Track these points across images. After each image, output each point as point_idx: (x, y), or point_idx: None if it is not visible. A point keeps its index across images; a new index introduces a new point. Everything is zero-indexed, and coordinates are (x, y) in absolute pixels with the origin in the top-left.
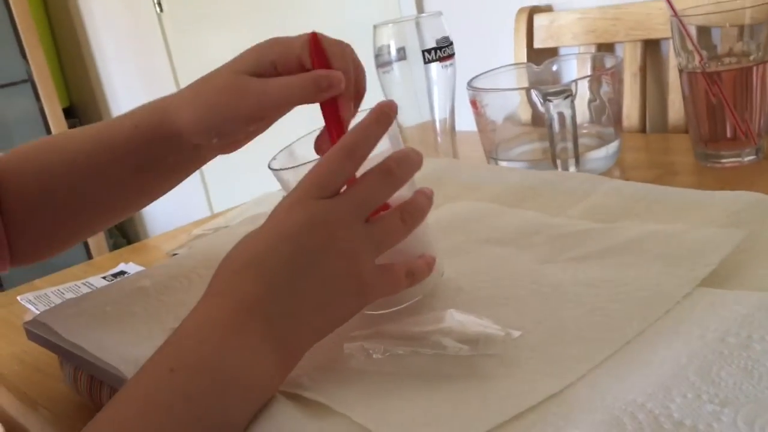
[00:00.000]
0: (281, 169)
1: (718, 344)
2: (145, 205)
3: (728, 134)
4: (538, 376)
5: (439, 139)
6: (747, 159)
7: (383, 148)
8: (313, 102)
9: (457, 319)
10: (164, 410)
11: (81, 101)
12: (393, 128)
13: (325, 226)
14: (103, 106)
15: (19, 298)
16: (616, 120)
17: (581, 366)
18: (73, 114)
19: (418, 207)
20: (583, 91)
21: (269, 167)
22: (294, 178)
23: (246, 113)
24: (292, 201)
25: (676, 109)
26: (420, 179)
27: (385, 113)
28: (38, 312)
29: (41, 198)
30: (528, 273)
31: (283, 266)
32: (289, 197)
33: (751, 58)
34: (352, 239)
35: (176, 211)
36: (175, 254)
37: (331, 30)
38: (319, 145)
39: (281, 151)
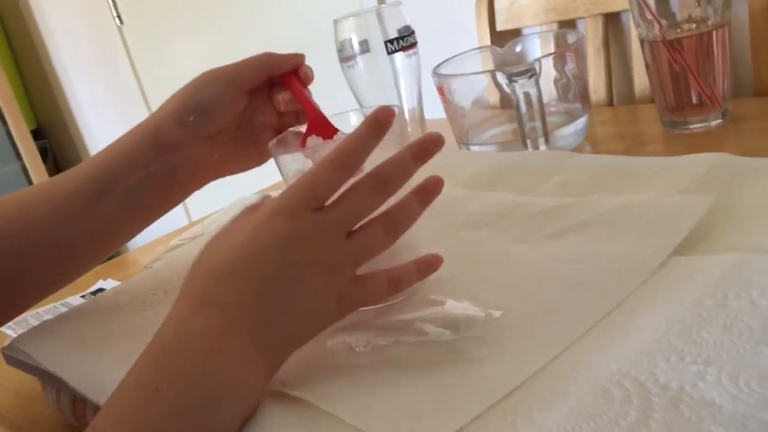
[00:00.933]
0: (283, 153)
1: (696, 306)
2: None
3: (693, 100)
4: (521, 354)
5: (409, 128)
6: (714, 123)
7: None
8: None
9: (437, 304)
10: (153, 430)
11: (48, 122)
12: (396, 129)
13: (309, 240)
14: (72, 125)
15: None
16: (583, 96)
17: (563, 340)
18: (41, 135)
19: (405, 215)
20: (547, 70)
21: (269, 146)
22: (293, 163)
23: None
24: (279, 209)
25: (641, 79)
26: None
27: (380, 123)
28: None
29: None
30: (504, 254)
31: (270, 276)
32: (275, 203)
33: (710, 23)
34: (334, 254)
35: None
36: (151, 267)
37: (293, 29)
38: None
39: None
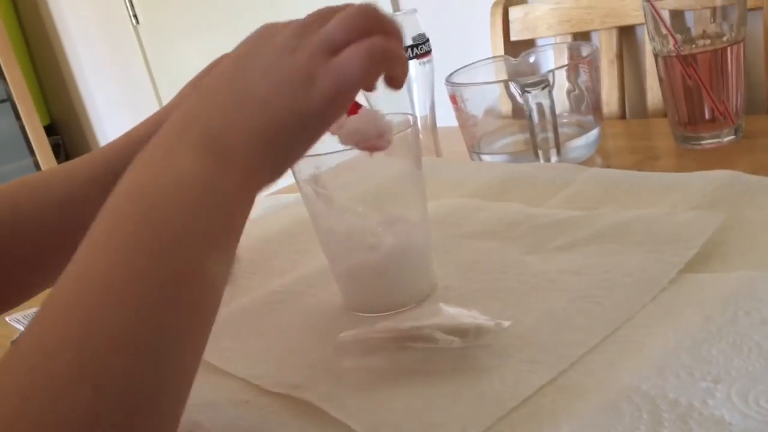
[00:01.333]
0: None
1: (705, 323)
2: None
3: (706, 116)
4: (531, 365)
5: (421, 136)
6: (726, 139)
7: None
8: None
9: (447, 312)
10: (99, 245)
11: (62, 118)
12: (410, 137)
13: (287, 27)
14: (85, 122)
15: (8, 318)
16: (595, 108)
17: (573, 353)
18: (54, 131)
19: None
20: (561, 81)
21: None
22: (302, 168)
23: None
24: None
25: (654, 93)
26: (398, 179)
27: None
28: None
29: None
30: (514, 265)
31: (230, 78)
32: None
33: (725, 39)
34: (310, 41)
35: None
36: None
37: None
38: None
39: None
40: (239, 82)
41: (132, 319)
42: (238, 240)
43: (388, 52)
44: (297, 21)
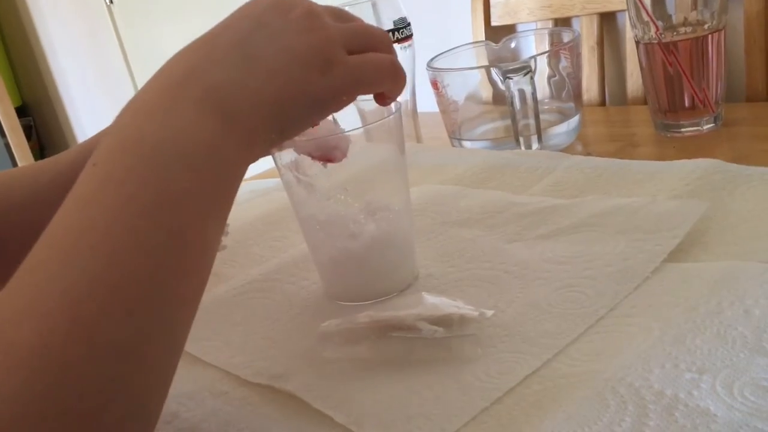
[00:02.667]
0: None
1: (690, 314)
2: None
3: (686, 104)
4: (515, 355)
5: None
6: (706, 127)
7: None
8: None
9: (430, 301)
10: (92, 201)
11: (34, 100)
12: (393, 123)
13: (302, 6)
14: (57, 103)
15: None
16: (576, 95)
17: (557, 342)
18: (26, 113)
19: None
20: (542, 67)
21: None
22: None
23: None
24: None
25: (634, 80)
26: (381, 166)
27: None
28: None
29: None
30: (496, 253)
31: (237, 40)
32: None
33: (706, 26)
34: (328, 27)
35: None
36: None
37: None
38: None
39: None
40: (248, 47)
41: (127, 279)
42: (230, 207)
43: (401, 73)
44: (309, 2)
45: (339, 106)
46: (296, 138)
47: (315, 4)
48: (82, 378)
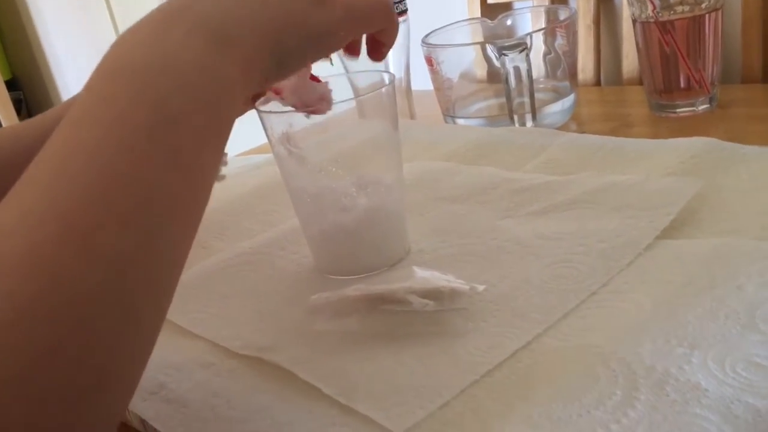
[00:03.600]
0: (269, 112)
1: (682, 290)
2: None
3: (682, 84)
4: (506, 329)
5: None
6: (701, 108)
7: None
8: None
9: (420, 275)
10: (84, 120)
11: (24, 72)
12: (385, 97)
13: None
14: (47, 77)
15: None
16: (572, 73)
17: (548, 318)
18: (16, 86)
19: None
20: (538, 45)
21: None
22: (274, 124)
23: None
24: None
25: (630, 60)
26: (373, 140)
27: None
28: None
29: None
30: (488, 229)
31: None
32: None
33: (704, 6)
34: None
35: None
36: None
37: None
38: None
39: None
40: None
41: (122, 192)
42: (228, 135)
43: (393, 14)
44: None
45: (336, 42)
46: (283, 90)
47: None
48: (74, 284)
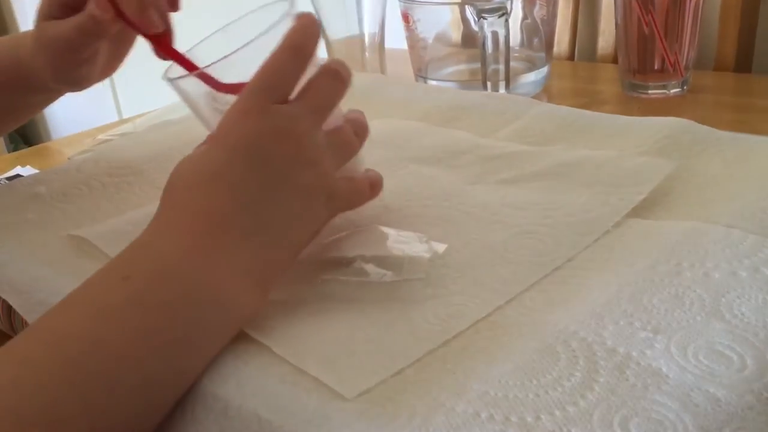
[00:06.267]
0: (180, 77)
1: (648, 272)
2: None
3: (656, 65)
4: (466, 298)
5: (366, 54)
6: (672, 91)
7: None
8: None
9: (381, 236)
10: (114, 318)
11: None
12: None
13: (289, 135)
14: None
15: None
16: (548, 44)
17: (510, 289)
18: None
19: (363, 123)
20: (517, 12)
21: (166, 78)
22: (194, 88)
23: (64, 62)
24: (245, 107)
25: (605, 38)
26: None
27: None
28: None
29: None
30: (456, 193)
31: (251, 178)
32: (237, 104)
33: None
34: (317, 148)
35: (82, 115)
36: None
37: None
38: None
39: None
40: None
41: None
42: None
43: (377, 188)
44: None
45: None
46: None
47: (302, 125)
48: None
